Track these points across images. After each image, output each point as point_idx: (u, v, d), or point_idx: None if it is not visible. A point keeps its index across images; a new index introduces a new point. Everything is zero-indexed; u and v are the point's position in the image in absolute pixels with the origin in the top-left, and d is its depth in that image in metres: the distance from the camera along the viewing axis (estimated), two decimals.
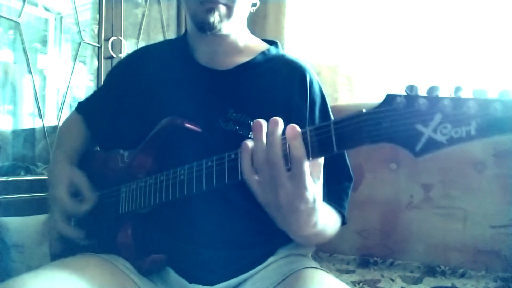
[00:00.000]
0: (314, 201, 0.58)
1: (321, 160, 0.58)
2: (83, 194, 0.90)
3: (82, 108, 1.07)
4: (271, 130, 0.57)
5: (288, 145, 0.55)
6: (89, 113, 1.05)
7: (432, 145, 0.45)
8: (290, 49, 1.84)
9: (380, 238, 1.41)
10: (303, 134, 0.56)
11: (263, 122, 0.58)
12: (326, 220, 0.70)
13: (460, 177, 1.32)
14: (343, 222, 0.83)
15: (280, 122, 0.57)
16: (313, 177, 0.58)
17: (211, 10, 0.80)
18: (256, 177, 0.59)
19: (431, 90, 0.46)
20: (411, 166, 1.39)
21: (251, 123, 0.81)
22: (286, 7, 1.84)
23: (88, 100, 1.09)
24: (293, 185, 0.56)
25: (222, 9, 0.81)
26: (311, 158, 0.55)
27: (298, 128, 0.56)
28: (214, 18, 0.80)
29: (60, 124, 1.11)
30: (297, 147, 0.55)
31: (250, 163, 0.59)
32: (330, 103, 0.92)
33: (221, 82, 0.87)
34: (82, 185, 0.90)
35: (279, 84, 0.87)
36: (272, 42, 0.96)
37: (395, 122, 0.48)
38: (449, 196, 1.33)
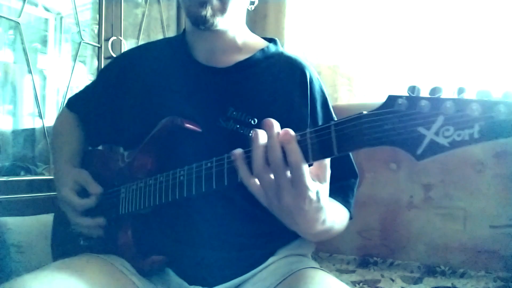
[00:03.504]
0: (319, 200, 0.57)
1: (327, 161, 0.57)
2: (87, 186, 0.90)
3: (75, 105, 1.07)
4: (269, 134, 0.55)
5: (284, 150, 0.54)
6: (84, 111, 1.04)
7: (434, 148, 0.44)
8: (290, 49, 1.83)
9: (380, 238, 1.41)
10: (303, 136, 0.55)
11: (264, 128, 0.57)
12: (335, 216, 0.69)
13: (460, 177, 1.32)
14: (350, 218, 0.83)
15: (275, 124, 0.56)
16: (319, 179, 0.57)
17: (203, 4, 0.79)
18: (258, 183, 0.58)
19: (434, 91, 0.44)
20: (411, 166, 1.39)
21: (252, 121, 0.81)
22: (286, 7, 1.83)
23: (80, 96, 1.08)
24: (295, 187, 0.55)
25: (215, 2, 0.80)
26: (311, 161, 0.54)
27: (291, 132, 0.55)
28: (207, 11, 0.80)
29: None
30: (293, 151, 0.54)
31: (248, 169, 0.58)
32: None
33: (220, 80, 0.87)
34: (85, 179, 0.91)
35: (279, 81, 0.87)
36: (271, 40, 0.95)
37: (396, 125, 0.46)
38: (449, 196, 1.33)
